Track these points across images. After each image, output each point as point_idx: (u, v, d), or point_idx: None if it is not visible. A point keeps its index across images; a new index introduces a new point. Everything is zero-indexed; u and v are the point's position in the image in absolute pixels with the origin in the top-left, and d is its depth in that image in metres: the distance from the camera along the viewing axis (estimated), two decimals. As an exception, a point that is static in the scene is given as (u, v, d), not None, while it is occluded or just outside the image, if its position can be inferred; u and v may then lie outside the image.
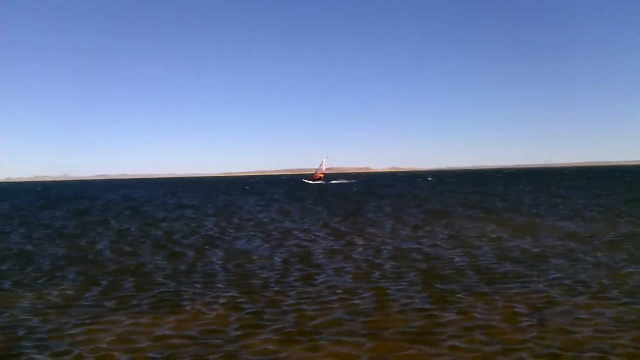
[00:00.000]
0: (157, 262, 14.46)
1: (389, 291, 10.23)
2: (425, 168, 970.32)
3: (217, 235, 20.21)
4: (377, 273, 11.99)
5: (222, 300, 9.87)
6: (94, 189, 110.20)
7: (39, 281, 12.20)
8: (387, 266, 12.80)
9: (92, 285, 11.61)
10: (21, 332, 8.30)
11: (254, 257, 14.65)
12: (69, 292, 10.94)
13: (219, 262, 14.14)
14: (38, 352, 7.41)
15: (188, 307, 9.43)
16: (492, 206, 30.28)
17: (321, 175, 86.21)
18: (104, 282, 11.85)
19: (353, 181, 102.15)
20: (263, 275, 12.13)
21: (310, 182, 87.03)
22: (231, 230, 21.50)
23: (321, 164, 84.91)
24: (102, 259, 15.28)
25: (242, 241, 18.12)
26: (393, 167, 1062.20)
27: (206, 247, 17.04)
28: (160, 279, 12.05)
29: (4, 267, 14.29)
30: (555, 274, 11.39)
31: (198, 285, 11.26)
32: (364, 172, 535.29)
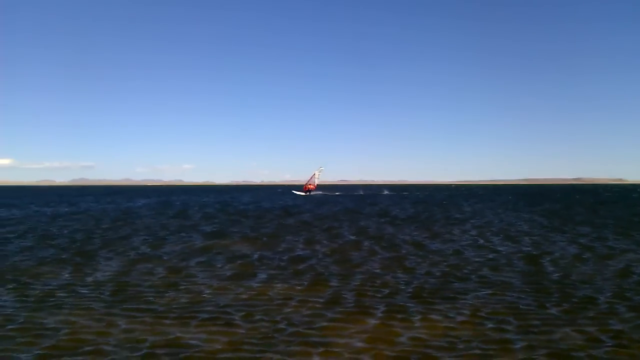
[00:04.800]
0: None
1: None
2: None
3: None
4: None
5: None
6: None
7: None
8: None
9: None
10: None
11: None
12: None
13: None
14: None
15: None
16: None
17: (311, 187, 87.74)
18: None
19: (337, 193, 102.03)
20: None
21: (301, 193, 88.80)
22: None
23: (312, 177, 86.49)
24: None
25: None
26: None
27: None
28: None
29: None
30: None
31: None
32: (615, 183, 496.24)
